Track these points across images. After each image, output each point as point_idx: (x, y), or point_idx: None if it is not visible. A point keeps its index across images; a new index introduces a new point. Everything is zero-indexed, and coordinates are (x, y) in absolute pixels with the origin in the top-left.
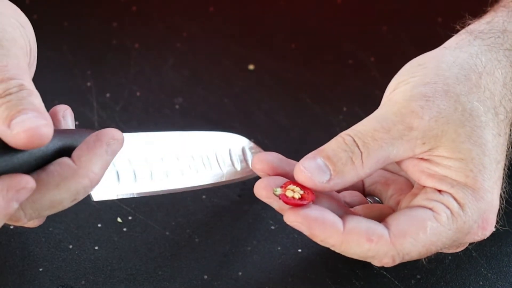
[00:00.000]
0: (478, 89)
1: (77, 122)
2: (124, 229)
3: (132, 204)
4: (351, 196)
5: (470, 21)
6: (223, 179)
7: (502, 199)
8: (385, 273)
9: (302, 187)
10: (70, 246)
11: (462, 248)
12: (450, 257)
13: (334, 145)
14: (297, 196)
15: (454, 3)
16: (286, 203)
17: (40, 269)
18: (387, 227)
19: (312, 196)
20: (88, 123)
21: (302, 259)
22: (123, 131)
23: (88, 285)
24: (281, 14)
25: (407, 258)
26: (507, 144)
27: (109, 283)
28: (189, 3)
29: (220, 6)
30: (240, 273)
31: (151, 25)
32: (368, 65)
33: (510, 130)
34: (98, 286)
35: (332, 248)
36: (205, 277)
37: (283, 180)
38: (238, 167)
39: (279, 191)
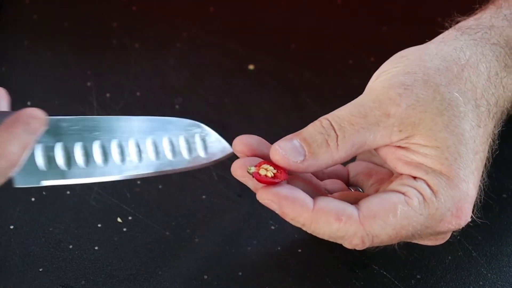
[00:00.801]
0: (459, 80)
1: None
2: (124, 229)
3: (132, 204)
4: (333, 184)
5: (459, 19)
6: (169, 168)
7: (481, 191)
8: (385, 273)
9: (276, 166)
10: (70, 246)
11: (442, 241)
12: (450, 257)
13: (311, 128)
14: (270, 174)
15: (454, 3)
16: (259, 180)
17: (40, 269)
18: (358, 208)
19: (285, 175)
20: None
21: (302, 259)
22: None
23: (88, 285)
24: (281, 14)
25: (377, 241)
26: (487, 137)
27: (109, 283)
28: (189, 3)
29: (220, 6)
30: (240, 273)
31: (151, 25)
32: (368, 65)
33: (495, 126)
34: (98, 286)
35: (303, 229)
36: (205, 277)
37: (259, 160)
38: (188, 156)
39: (252, 169)
